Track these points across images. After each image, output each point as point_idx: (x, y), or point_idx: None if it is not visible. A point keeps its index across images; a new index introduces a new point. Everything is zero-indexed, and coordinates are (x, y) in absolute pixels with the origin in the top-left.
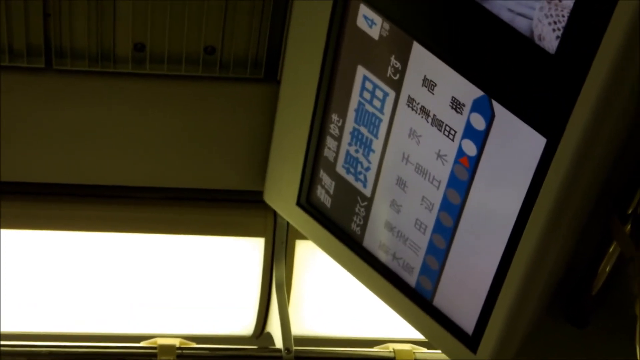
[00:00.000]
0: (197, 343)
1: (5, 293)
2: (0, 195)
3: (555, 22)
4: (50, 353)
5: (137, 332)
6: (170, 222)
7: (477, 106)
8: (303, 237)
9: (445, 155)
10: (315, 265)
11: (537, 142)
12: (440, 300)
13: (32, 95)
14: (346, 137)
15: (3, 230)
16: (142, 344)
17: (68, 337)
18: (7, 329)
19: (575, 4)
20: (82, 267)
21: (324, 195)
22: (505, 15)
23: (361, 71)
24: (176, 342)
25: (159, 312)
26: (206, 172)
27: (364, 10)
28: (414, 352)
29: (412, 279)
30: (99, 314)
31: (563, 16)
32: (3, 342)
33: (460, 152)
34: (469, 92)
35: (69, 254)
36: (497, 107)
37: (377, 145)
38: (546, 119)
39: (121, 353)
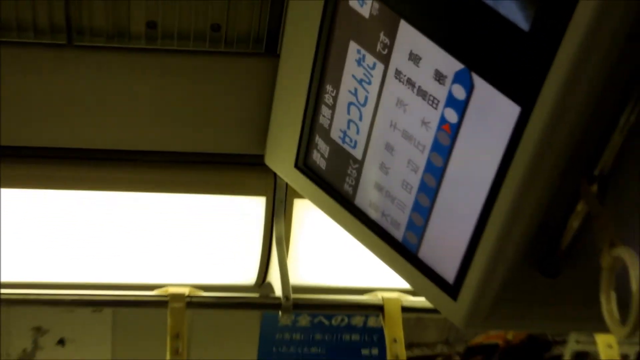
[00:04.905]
0: (205, 291)
1: (28, 245)
2: (27, 159)
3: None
4: (73, 300)
5: (150, 282)
6: (182, 183)
7: (458, 78)
8: (300, 196)
9: (429, 123)
10: (311, 221)
11: (512, 110)
12: (425, 253)
13: (54, 68)
14: (339, 106)
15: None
16: (154, 292)
17: (88, 286)
18: (30, 279)
19: None
20: (99, 224)
21: (319, 158)
22: None
23: (353, 46)
24: (186, 290)
25: (169, 264)
26: (212, 137)
27: None
28: (400, 300)
29: (399, 234)
30: (115, 266)
31: None
32: (33, 291)
33: (443, 120)
34: (451, 65)
35: (88, 212)
36: (476, 79)
37: (367, 113)
38: (520, 89)
39: (136, 301)
